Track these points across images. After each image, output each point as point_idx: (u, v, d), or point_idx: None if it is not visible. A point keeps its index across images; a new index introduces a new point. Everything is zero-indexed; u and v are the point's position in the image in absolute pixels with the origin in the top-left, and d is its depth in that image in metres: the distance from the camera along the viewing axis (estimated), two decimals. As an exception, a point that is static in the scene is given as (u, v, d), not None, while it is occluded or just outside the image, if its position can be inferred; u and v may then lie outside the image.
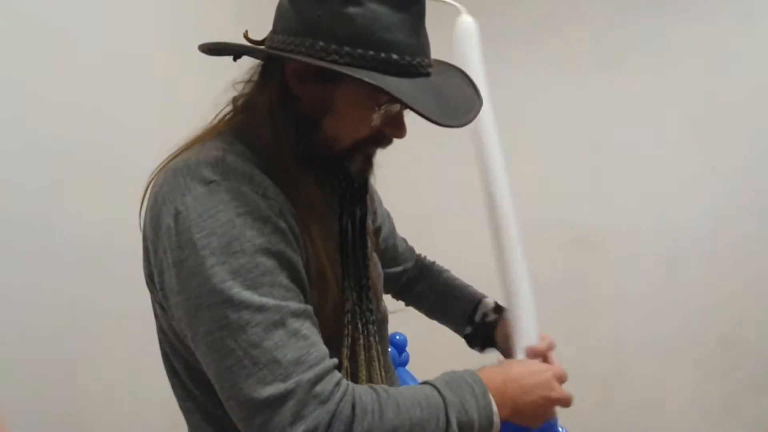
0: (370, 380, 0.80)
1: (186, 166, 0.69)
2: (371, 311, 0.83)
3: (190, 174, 0.68)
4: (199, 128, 0.79)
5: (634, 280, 2.34)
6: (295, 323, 0.65)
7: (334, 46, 0.67)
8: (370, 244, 0.87)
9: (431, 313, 1.15)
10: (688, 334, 2.29)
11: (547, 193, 2.38)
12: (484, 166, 0.92)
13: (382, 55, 0.67)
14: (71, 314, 1.48)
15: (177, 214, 0.66)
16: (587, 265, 2.41)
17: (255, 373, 0.63)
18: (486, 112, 0.86)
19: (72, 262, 1.48)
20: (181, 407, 0.80)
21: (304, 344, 0.65)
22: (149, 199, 0.72)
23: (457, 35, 0.94)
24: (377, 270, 0.94)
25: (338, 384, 0.66)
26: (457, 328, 1.10)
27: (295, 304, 0.67)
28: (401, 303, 1.17)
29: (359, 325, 0.80)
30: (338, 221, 0.81)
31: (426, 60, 0.71)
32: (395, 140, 0.77)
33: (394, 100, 0.67)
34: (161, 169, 0.74)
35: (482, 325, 1.04)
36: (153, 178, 0.74)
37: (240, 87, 0.78)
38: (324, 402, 0.63)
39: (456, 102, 0.74)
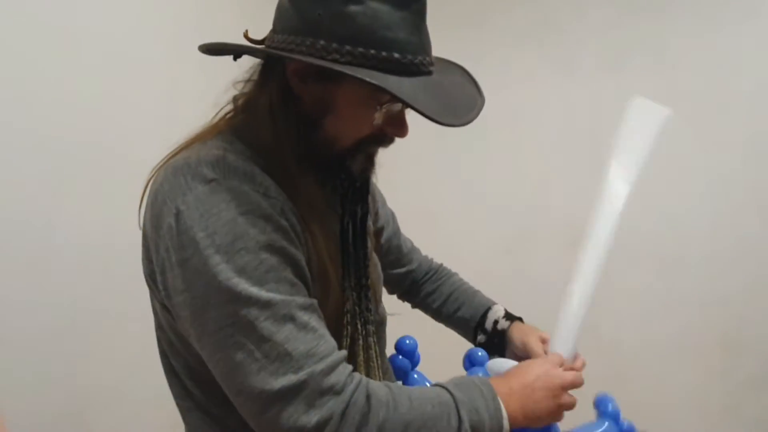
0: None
1: (186, 164, 0.69)
2: (370, 312, 0.83)
3: (191, 173, 0.68)
4: (199, 126, 0.79)
5: (634, 280, 2.33)
6: (303, 316, 0.66)
7: (334, 45, 0.66)
8: (370, 244, 0.87)
9: (438, 316, 1.14)
10: (688, 334, 2.28)
11: (547, 193, 2.37)
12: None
13: (383, 53, 0.66)
14: (71, 314, 1.48)
15: (178, 214, 0.66)
16: (587, 265, 2.39)
17: (267, 366, 0.63)
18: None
19: (72, 262, 1.48)
20: (179, 406, 0.80)
21: (313, 336, 0.65)
22: (149, 197, 0.72)
23: (644, 117, 0.96)
24: (377, 271, 0.93)
25: (351, 375, 0.66)
26: (464, 333, 1.10)
27: (302, 298, 0.67)
28: (401, 306, 1.16)
29: (358, 326, 0.80)
30: (339, 221, 0.81)
31: (427, 58, 0.71)
32: (397, 139, 0.77)
33: (395, 99, 0.66)
34: (161, 166, 0.74)
35: (495, 333, 1.04)
36: (153, 175, 0.74)
37: (240, 86, 0.78)
38: (338, 393, 0.64)
39: (458, 101, 0.73)
